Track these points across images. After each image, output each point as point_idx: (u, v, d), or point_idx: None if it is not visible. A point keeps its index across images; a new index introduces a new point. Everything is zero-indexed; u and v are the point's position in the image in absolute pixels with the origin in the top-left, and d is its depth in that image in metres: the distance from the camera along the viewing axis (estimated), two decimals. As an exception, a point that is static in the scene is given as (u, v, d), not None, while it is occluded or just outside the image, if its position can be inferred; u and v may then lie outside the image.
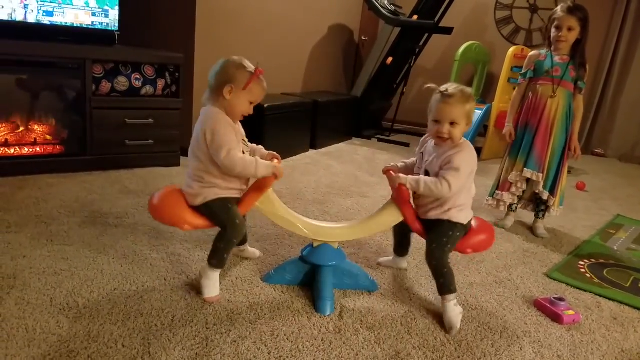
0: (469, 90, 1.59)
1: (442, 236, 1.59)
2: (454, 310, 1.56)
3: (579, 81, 2.35)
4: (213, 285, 1.60)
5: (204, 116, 1.55)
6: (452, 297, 1.58)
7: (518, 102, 2.48)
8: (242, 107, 1.57)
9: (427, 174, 1.63)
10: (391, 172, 1.68)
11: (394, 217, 1.68)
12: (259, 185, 1.61)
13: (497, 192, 2.54)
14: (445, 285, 1.58)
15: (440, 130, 1.56)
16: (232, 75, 1.53)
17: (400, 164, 1.78)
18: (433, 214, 1.62)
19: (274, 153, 1.71)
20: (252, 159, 1.55)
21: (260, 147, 1.75)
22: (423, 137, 1.74)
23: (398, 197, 1.63)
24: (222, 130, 1.51)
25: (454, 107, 1.54)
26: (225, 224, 1.56)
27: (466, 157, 1.56)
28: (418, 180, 1.56)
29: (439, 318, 1.62)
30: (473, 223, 1.70)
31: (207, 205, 1.55)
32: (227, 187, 1.57)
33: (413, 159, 1.77)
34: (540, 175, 2.40)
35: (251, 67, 1.57)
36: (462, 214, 1.62)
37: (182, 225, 1.55)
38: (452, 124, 1.54)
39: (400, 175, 1.60)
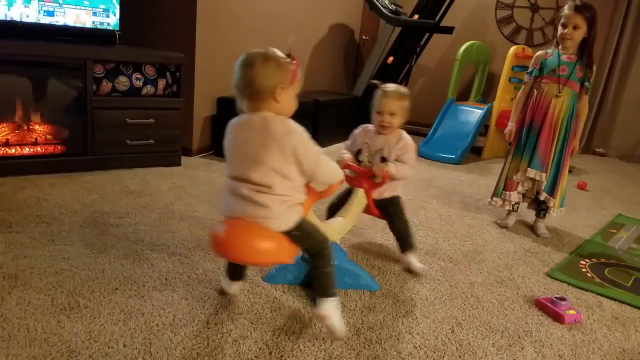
0: (404, 89, 1.89)
1: (400, 208, 1.95)
2: (417, 261, 1.94)
3: (585, 81, 2.34)
4: (340, 318, 1.43)
5: (281, 127, 1.31)
6: (414, 251, 1.96)
7: (523, 101, 2.47)
8: (294, 105, 1.40)
9: (383, 160, 1.85)
10: (350, 165, 1.85)
11: (364, 201, 1.85)
12: (323, 192, 1.50)
13: (504, 192, 2.50)
14: (412, 242, 1.96)
15: (382, 120, 1.85)
16: (278, 75, 1.31)
17: (348, 156, 1.91)
18: (388, 193, 1.90)
19: None
20: (334, 162, 1.46)
21: None
22: (360, 129, 1.98)
23: (369, 183, 1.82)
24: (309, 139, 1.34)
25: (392, 100, 1.84)
26: (322, 243, 1.41)
27: (412, 144, 1.88)
28: (397, 167, 1.81)
29: (440, 317, 1.63)
30: None
31: (299, 227, 1.36)
32: (302, 201, 1.39)
33: (347, 151, 1.95)
34: (544, 175, 2.38)
35: (285, 56, 1.35)
36: (403, 189, 1.98)
37: (289, 259, 1.39)
38: (391, 114, 1.84)
39: (385, 164, 1.81)
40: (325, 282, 1.42)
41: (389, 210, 1.93)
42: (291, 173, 1.32)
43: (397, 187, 1.93)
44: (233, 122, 1.39)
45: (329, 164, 1.40)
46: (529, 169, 2.41)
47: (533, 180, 2.44)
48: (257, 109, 1.34)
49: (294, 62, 1.35)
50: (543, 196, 2.42)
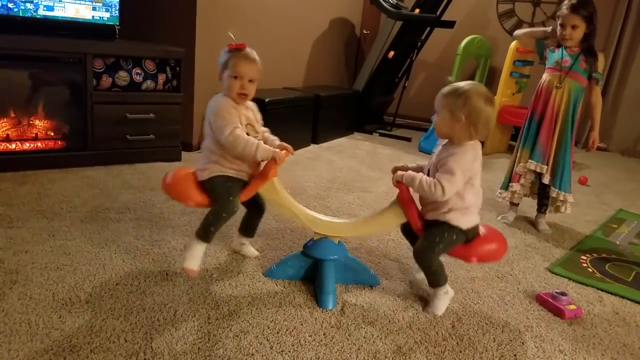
0: (459, 86, 1.54)
1: (435, 236, 1.56)
2: (443, 298, 1.62)
3: (593, 72, 2.32)
4: (195, 257, 1.62)
5: (208, 104, 1.64)
6: (441, 289, 1.62)
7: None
8: (231, 86, 1.59)
9: (429, 173, 1.60)
10: (395, 169, 1.64)
11: (397, 218, 1.63)
12: (263, 172, 1.62)
13: (510, 184, 2.51)
14: (434, 281, 1.61)
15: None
16: (220, 60, 1.62)
17: (412, 164, 1.68)
18: (431, 215, 1.58)
19: (286, 144, 1.71)
20: (254, 140, 1.57)
21: (275, 138, 1.74)
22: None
23: (399, 196, 1.60)
24: (223, 111, 1.58)
25: (438, 99, 1.58)
26: (219, 199, 1.60)
27: (461, 160, 1.50)
28: (414, 177, 1.53)
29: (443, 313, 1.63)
30: (481, 230, 1.63)
31: (210, 179, 1.62)
32: (229, 167, 1.62)
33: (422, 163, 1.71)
34: (545, 167, 2.38)
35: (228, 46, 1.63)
36: (463, 218, 1.55)
37: (187, 202, 1.63)
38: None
39: (398, 172, 1.59)
40: (203, 224, 1.62)
41: (424, 234, 1.59)
42: (208, 140, 1.63)
43: (449, 212, 1.54)
44: None
45: (239, 135, 1.55)
46: (529, 160, 2.41)
47: (535, 172, 2.43)
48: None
49: (228, 49, 1.60)
50: (559, 193, 2.38)
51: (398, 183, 1.57)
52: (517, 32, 2.62)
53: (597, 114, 2.40)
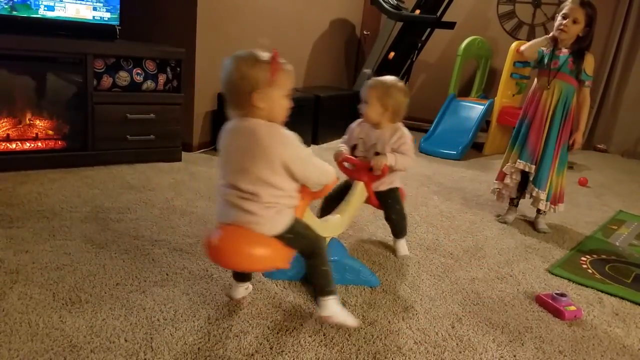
0: (392, 82, 1.82)
1: (396, 199, 1.97)
2: (405, 244, 2.06)
3: (580, 74, 2.33)
4: (344, 311, 1.45)
5: (268, 137, 1.26)
6: (404, 238, 2.07)
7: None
8: (283, 107, 1.30)
9: (377, 155, 1.86)
10: (348, 158, 1.87)
11: (364, 194, 1.86)
12: (318, 192, 1.45)
13: (494, 181, 2.57)
14: (403, 230, 2.04)
15: (361, 108, 1.86)
16: (252, 78, 1.23)
17: (345, 149, 1.93)
18: (385, 186, 1.92)
19: None
20: (324, 162, 1.41)
21: None
22: (356, 123, 1.95)
23: (368, 176, 1.82)
24: (299, 145, 1.30)
25: (368, 89, 1.83)
26: (314, 242, 1.38)
27: (409, 137, 1.87)
28: (395, 158, 1.81)
29: (441, 313, 1.63)
30: None
31: (290, 230, 1.33)
32: (293, 205, 1.37)
33: (344, 144, 1.97)
34: (533, 167, 2.40)
35: (265, 56, 1.26)
36: (400, 180, 1.99)
37: (287, 264, 1.36)
38: (366, 102, 1.84)
39: (379, 156, 1.80)
40: (323, 281, 1.42)
41: (386, 202, 1.95)
42: (278, 182, 1.28)
43: (394, 180, 1.94)
44: (226, 127, 1.35)
45: (320, 166, 1.37)
46: (519, 160, 2.44)
47: (524, 172, 2.45)
48: (243, 116, 1.29)
49: (274, 60, 1.26)
50: (530, 187, 2.43)
51: (386, 165, 1.77)
52: (523, 48, 2.50)
53: (583, 116, 2.41)
